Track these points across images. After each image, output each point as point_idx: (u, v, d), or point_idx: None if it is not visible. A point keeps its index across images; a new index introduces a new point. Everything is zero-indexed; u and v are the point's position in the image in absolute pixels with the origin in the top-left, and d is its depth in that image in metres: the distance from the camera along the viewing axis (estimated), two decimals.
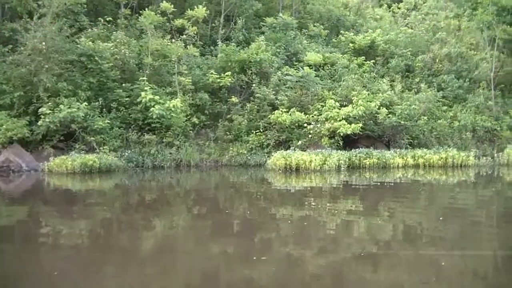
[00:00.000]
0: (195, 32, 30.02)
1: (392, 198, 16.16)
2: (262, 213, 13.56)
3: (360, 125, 25.67)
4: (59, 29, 25.43)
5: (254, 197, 16.87)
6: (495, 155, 27.06)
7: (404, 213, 13.38)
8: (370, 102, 26.91)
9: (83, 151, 23.26)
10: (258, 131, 26.86)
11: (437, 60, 33.97)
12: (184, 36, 29.16)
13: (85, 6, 28.47)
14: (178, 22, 30.39)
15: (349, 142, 26.66)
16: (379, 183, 20.07)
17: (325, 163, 23.05)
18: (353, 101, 26.98)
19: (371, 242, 10.01)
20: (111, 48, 26.70)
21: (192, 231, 11.52)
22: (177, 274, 8.08)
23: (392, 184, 19.95)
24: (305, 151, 24.67)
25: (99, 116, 24.91)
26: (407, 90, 30.71)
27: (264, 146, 26.49)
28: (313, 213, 13.25)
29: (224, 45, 30.25)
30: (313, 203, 14.96)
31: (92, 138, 23.99)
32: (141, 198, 16.90)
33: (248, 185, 20.54)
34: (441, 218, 12.53)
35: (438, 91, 31.41)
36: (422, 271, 7.99)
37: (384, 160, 24.38)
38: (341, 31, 35.96)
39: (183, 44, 28.68)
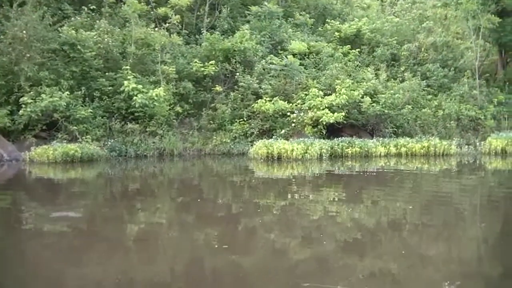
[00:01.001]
0: (178, 21, 29.82)
1: (375, 186, 16.23)
2: (245, 202, 13.60)
3: (343, 114, 25.70)
4: (41, 17, 25.23)
5: (237, 186, 16.96)
6: (477, 144, 27.17)
7: (387, 201, 13.44)
8: (354, 91, 26.93)
9: (65, 141, 23.18)
10: (241, 120, 26.86)
11: (422, 49, 33.99)
12: (168, 24, 28.94)
13: None
14: (162, 10, 30.22)
15: (333, 131, 26.70)
16: (361, 172, 20.17)
17: (307, 152, 23.08)
18: (337, 90, 26.96)
19: (356, 230, 10.07)
20: (94, 37, 26.53)
21: (176, 220, 11.52)
22: (162, 261, 8.09)
23: (375, 173, 20.02)
24: (288, 140, 24.66)
25: (82, 105, 24.79)
26: (392, 79, 30.75)
27: (247, 135, 26.50)
28: (296, 202, 13.28)
29: (209, 33, 30.12)
30: (296, 192, 15.02)
31: (75, 128, 23.88)
32: (124, 187, 16.93)
33: (230, 174, 20.60)
34: (424, 206, 12.64)
35: (423, 80, 31.48)
36: (407, 257, 8.08)
37: (367, 149, 24.44)
38: (327, 20, 35.86)
39: (167, 33, 28.48)
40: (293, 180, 18.26)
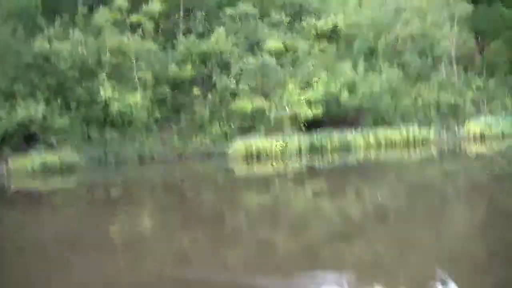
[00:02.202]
0: (152, 27, 29.80)
1: (357, 178, 16.26)
2: (228, 201, 13.62)
3: (321, 109, 25.72)
4: (13, 32, 25.20)
5: (219, 186, 16.96)
6: (456, 130, 27.24)
7: (370, 192, 13.47)
8: (331, 85, 26.96)
9: (43, 151, 23.12)
10: (221, 120, 26.84)
11: (399, 40, 34.04)
12: (141, 32, 28.88)
13: (41, 7, 28.19)
14: (135, 18, 30.07)
15: (313, 125, 26.65)
16: (341, 165, 20.19)
17: (286, 148, 23.09)
18: (314, 86, 26.99)
19: (343, 221, 10.09)
20: (68, 48, 26.50)
21: (162, 222, 11.39)
22: (149, 261, 7.94)
23: (355, 165, 20.05)
24: (268, 137, 24.65)
25: (59, 116, 24.76)
26: (370, 71, 30.78)
27: (227, 135, 26.46)
28: (280, 198, 13.27)
29: (184, 38, 30.13)
30: (278, 188, 15.00)
31: (53, 138, 23.87)
32: (106, 194, 16.95)
33: (211, 174, 20.60)
34: (408, 194, 12.65)
35: (401, 70, 31.52)
36: (396, 245, 8.02)
37: (346, 142, 24.46)
38: (303, 17, 35.87)
39: (141, 40, 28.42)
40: (274, 177, 18.25)
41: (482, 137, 25.63)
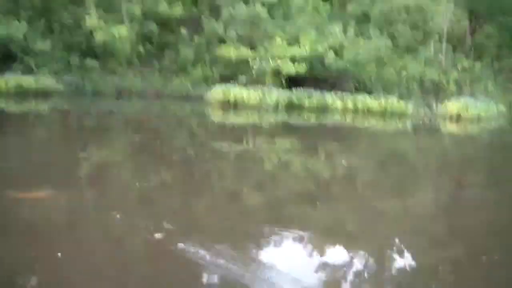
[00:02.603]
0: None
1: (330, 141, 16.41)
2: (195, 146, 13.64)
3: (304, 66, 25.61)
4: None
5: (190, 130, 17.03)
6: (435, 107, 27.41)
7: (341, 155, 13.63)
8: (318, 44, 26.80)
9: (19, 72, 22.77)
10: (204, 64, 26.65)
11: (394, 10, 33.77)
12: None
13: None
14: None
15: (295, 82, 26.59)
16: (315, 126, 20.30)
17: (264, 101, 23.10)
18: (301, 42, 26.82)
19: (311, 182, 10.18)
20: None
21: (130, 161, 11.31)
22: (113, 201, 7.77)
23: (330, 126, 20.20)
24: (248, 88, 24.58)
25: (41, 38, 24.32)
26: (361, 36, 30.61)
27: (208, 79, 26.33)
28: (247, 149, 13.34)
29: None
30: (247, 139, 15.07)
31: (32, 60, 23.51)
32: (79, 123, 16.87)
33: (185, 117, 20.58)
34: (377, 162, 12.84)
35: (391, 40, 31.42)
36: (361, 210, 8.11)
37: (324, 102, 24.53)
38: None
39: None
40: (246, 128, 18.29)
41: (458, 118, 25.86)
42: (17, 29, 23.11)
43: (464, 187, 10.71)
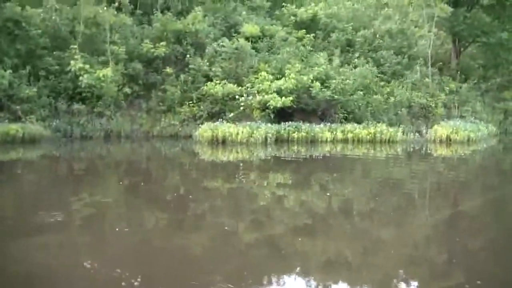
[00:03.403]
0: (129, 0, 29.35)
1: (322, 172, 16.49)
2: (191, 185, 13.65)
3: (291, 98, 25.59)
4: None
5: (182, 168, 17.10)
6: (424, 131, 27.48)
7: (335, 186, 13.73)
8: (303, 75, 26.89)
9: (6, 120, 22.70)
10: (191, 102, 26.64)
11: (377, 36, 34.11)
12: (116, 4, 28.38)
13: None
14: None
15: (283, 115, 26.54)
16: (307, 157, 20.27)
17: (252, 136, 23.04)
18: (286, 74, 26.90)
19: (306, 215, 10.23)
20: (41, 14, 26.01)
21: (124, 202, 11.42)
22: (108, 244, 7.98)
23: (321, 158, 20.17)
24: (236, 123, 24.54)
25: (27, 84, 24.31)
26: (346, 65, 30.81)
27: (196, 117, 26.28)
28: (243, 186, 13.30)
29: (161, 14, 29.75)
30: (242, 176, 15.01)
31: (18, 107, 23.47)
32: (70, 168, 16.86)
33: (175, 157, 20.52)
34: (372, 191, 12.93)
35: (377, 66, 31.64)
36: (359, 242, 8.23)
37: (313, 134, 24.53)
38: (284, 4, 35.73)
39: (115, 13, 27.92)
40: (238, 164, 18.25)
41: (449, 141, 25.90)
42: (2, 77, 23.06)
43: (460, 212, 10.76)
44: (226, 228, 9.06)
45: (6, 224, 9.03)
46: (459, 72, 34.13)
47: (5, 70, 23.47)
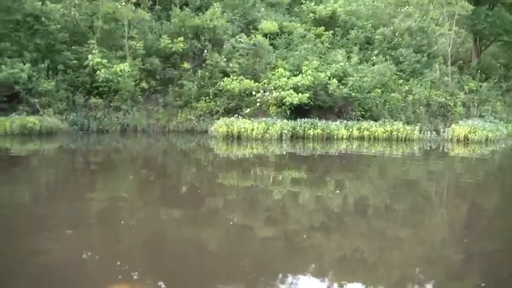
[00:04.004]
0: None
1: (337, 169, 16.42)
2: (199, 181, 13.62)
3: (307, 95, 25.48)
4: None
5: (198, 164, 17.01)
6: (441, 130, 27.13)
7: (350, 184, 13.65)
8: (321, 72, 26.75)
9: (25, 113, 22.98)
10: (207, 97, 26.69)
11: (397, 34, 33.82)
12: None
13: None
14: None
15: (300, 112, 26.45)
16: (323, 154, 20.17)
17: (267, 132, 23.00)
18: (303, 71, 26.78)
19: (322, 213, 10.17)
20: (61, 10, 26.26)
21: (138, 196, 11.38)
22: (124, 237, 7.99)
23: (336, 155, 20.05)
24: (252, 119, 24.52)
25: (45, 78, 24.60)
26: (364, 62, 30.58)
27: (213, 113, 26.35)
28: (258, 183, 13.23)
29: (179, 10, 29.83)
30: (258, 172, 14.98)
31: (36, 100, 23.75)
32: (86, 161, 17.06)
33: (190, 152, 20.56)
34: (386, 189, 12.86)
35: (396, 64, 31.37)
36: (375, 240, 8.16)
37: (329, 131, 24.36)
38: (303, 0, 35.60)
39: (134, 8, 28.03)
40: (251, 160, 18.21)
41: (466, 140, 25.55)
42: (22, 70, 23.35)
43: (479, 213, 10.72)
44: (240, 224, 9.05)
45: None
46: (479, 71, 33.61)
47: (24, 64, 23.75)
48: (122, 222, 8.84)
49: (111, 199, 10.71)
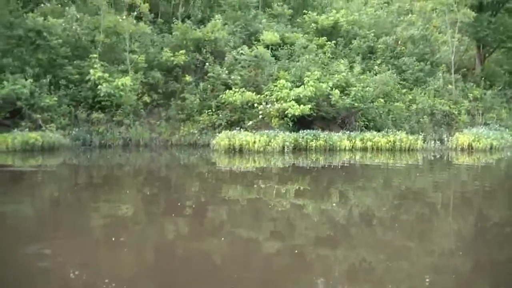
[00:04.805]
0: (148, 9, 29.53)
1: (341, 181, 16.28)
2: (207, 195, 13.52)
3: (309, 106, 25.41)
4: (6, 2, 24.99)
5: (200, 178, 16.88)
6: (445, 139, 26.97)
7: (354, 195, 13.58)
8: (322, 83, 26.65)
9: (27, 129, 22.96)
10: (210, 110, 26.65)
11: (399, 42, 33.74)
12: (135, 13, 28.54)
13: None
14: None
15: (303, 123, 26.37)
16: (326, 166, 20.03)
17: (269, 144, 22.89)
18: (305, 82, 26.70)
19: (328, 225, 10.11)
20: (62, 24, 26.34)
21: (142, 210, 11.42)
22: (128, 253, 7.96)
23: (339, 167, 19.89)
24: (255, 131, 24.44)
25: (47, 94, 24.62)
26: (367, 72, 30.49)
27: (215, 126, 26.29)
28: (262, 196, 13.12)
29: (180, 23, 29.87)
30: (261, 185, 14.86)
31: (38, 116, 23.76)
32: (89, 176, 16.99)
33: (193, 166, 20.45)
34: (391, 201, 12.81)
35: (399, 73, 31.28)
36: (381, 251, 8.14)
37: (332, 143, 24.24)
38: (305, 11, 35.59)
39: (135, 21, 28.09)
40: (255, 173, 18.08)
41: (470, 149, 25.38)
42: (24, 86, 23.39)
43: (486, 222, 10.72)
44: (246, 237, 9.02)
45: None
46: (483, 79, 33.48)
47: (26, 80, 23.78)
48: (123, 238, 8.77)
49: (112, 215, 10.65)
